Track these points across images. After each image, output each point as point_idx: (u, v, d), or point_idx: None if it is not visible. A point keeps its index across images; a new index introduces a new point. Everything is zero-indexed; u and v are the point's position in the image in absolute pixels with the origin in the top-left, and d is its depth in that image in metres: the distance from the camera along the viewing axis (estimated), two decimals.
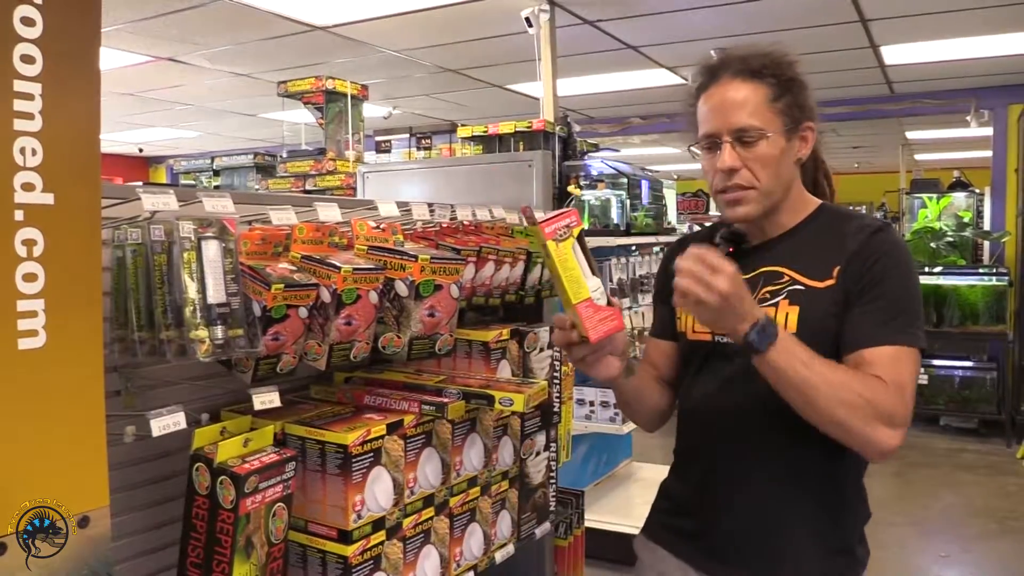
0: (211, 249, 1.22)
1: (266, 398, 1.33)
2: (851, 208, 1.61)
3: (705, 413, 1.48)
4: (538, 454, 1.90)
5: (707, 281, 1.19)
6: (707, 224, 2.01)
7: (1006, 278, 6.57)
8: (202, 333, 1.17)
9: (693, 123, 1.45)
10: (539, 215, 1.30)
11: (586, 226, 3.37)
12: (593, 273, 1.27)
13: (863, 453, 1.32)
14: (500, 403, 1.59)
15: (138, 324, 1.19)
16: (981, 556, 4.23)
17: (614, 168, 3.54)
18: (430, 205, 1.79)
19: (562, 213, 1.26)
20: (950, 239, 7.34)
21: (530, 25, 4.33)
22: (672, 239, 3.09)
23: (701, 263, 1.20)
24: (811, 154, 1.48)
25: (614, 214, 3.53)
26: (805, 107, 1.41)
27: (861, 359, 1.30)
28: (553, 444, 1.98)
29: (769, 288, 1.39)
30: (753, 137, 1.36)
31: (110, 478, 1.05)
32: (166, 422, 1.21)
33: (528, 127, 3.45)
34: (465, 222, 1.92)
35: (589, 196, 3.43)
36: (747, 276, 1.42)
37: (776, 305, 1.37)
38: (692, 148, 1.46)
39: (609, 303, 1.27)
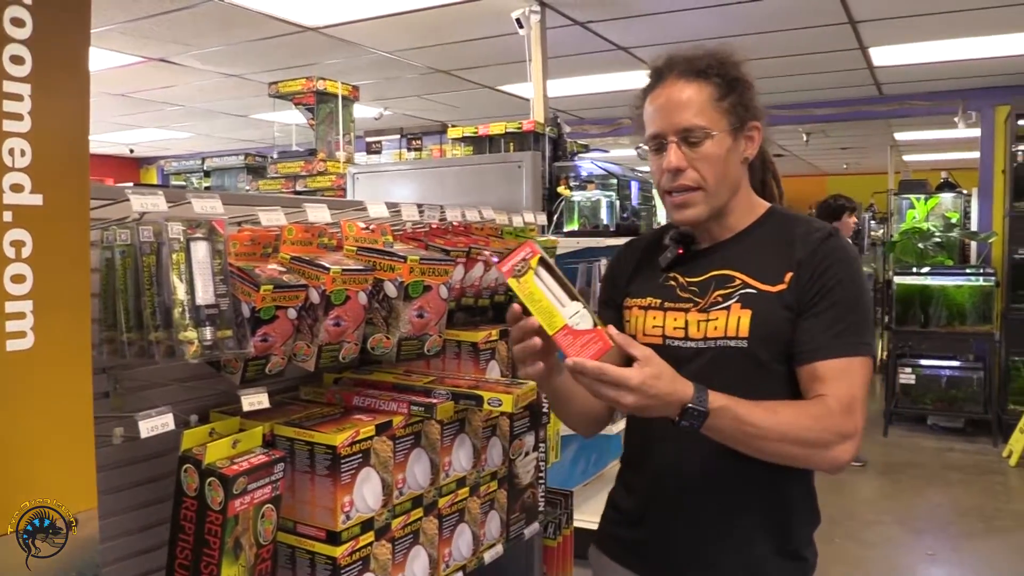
0: (200, 250, 1.22)
1: (255, 399, 1.33)
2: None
3: (653, 422, 1.42)
4: (527, 454, 1.91)
5: (613, 397, 1.19)
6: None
7: (993, 278, 6.61)
8: (191, 334, 1.18)
9: (641, 124, 1.45)
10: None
11: (575, 227, 3.38)
12: (573, 297, 1.23)
13: (820, 470, 1.36)
14: (489, 404, 1.59)
15: (127, 325, 1.19)
16: (968, 555, 4.26)
17: (604, 169, 3.55)
18: (419, 206, 1.79)
19: (517, 248, 1.25)
20: (938, 240, 7.38)
21: (521, 26, 4.34)
22: None
23: (602, 384, 1.18)
24: (759, 156, 1.48)
25: (604, 215, 3.54)
26: (751, 106, 1.41)
27: (815, 372, 1.32)
28: (542, 444, 1.98)
29: (721, 292, 1.39)
30: (699, 137, 1.35)
31: (98, 480, 1.05)
32: (154, 423, 1.21)
33: (518, 128, 3.46)
34: (454, 223, 1.93)
35: (579, 197, 3.44)
36: (699, 279, 1.43)
37: (728, 308, 1.37)
38: (640, 149, 1.46)
39: (596, 325, 1.22)
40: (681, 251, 1.47)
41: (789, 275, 1.36)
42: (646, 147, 1.44)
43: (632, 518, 1.51)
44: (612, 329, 1.24)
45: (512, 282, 1.24)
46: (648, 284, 1.50)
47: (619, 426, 3.51)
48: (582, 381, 1.20)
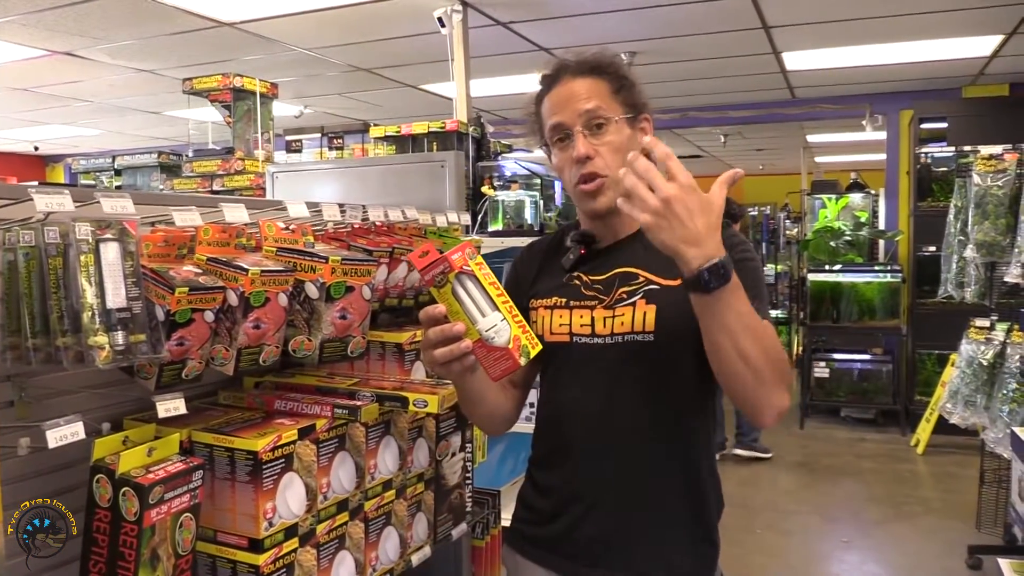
0: (110, 252, 1.17)
1: (171, 405, 1.29)
2: None
3: (565, 417, 1.47)
4: (453, 455, 1.90)
5: (654, 183, 1.12)
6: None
7: (899, 275, 6.91)
8: (101, 339, 1.13)
9: (536, 128, 1.50)
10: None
11: (500, 226, 3.39)
12: (495, 307, 1.22)
13: (760, 414, 1.28)
14: (414, 405, 1.58)
15: (32, 331, 1.14)
16: (880, 540, 4.43)
17: (528, 169, 3.56)
18: (341, 206, 1.77)
19: (437, 260, 1.23)
20: (848, 238, 7.67)
21: (443, 25, 4.33)
22: None
23: (651, 170, 1.13)
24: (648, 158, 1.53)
25: (528, 214, 3.55)
26: (640, 101, 1.47)
27: None
28: (468, 445, 1.98)
29: (625, 288, 1.42)
30: (601, 122, 1.40)
31: (3, 493, 1.00)
32: (63, 432, 1.16)
33: (441, 127, 3.44)
34: (377, 223, 1.90)
35: (503, 197, 3.44)
36: (603, 277, 1.45)
37: (633, 304, 1.39)
38: (544, 146, 1.50)
39: (511, 341, 1.21)
40: (584, 251, 1.49)
41: None
42: (548, 145, 1.47)
43: (547, 516, 1.50)
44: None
45: (434, 291, 1.23)
46: (553, 284, 1.51)
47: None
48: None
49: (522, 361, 1.22)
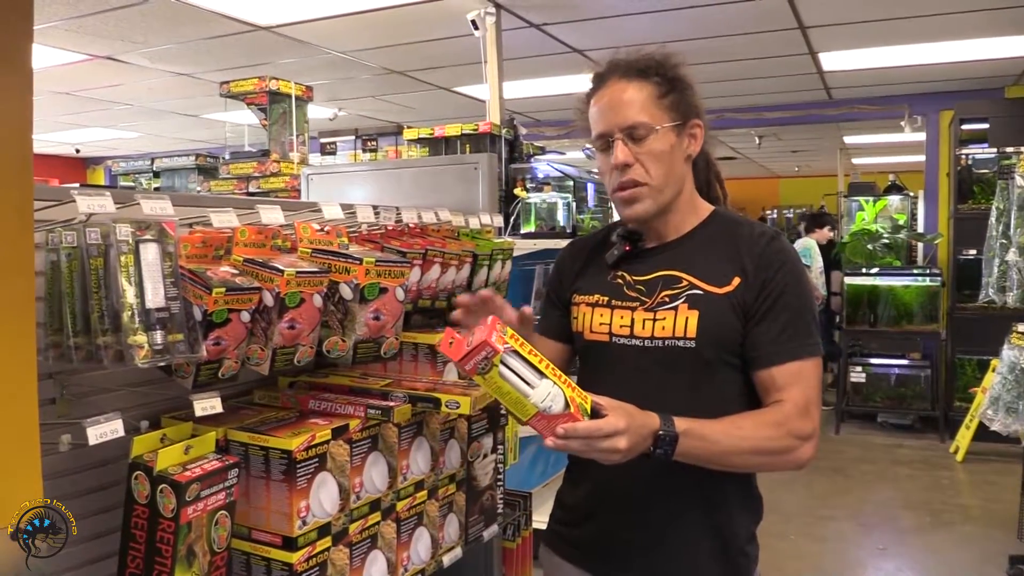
0: (149, 252, 1.19)
1: (207, 404, 1.31)
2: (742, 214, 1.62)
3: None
4: (485, 456, 1.90)
5: (608, 447, 1.17)
6: None
7: (939, 279, 6.78)
8: (140, 338, 1.15)
9: (587, 128, 1.49)
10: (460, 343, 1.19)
11: (532, 228, 3.39)
12: (542, 375, 1.17)
13: (783, 471, 1.38)
14: (447, 406, 1.58)
15: (73, 329, 1.16)
16: (916, 548, 4.36)
17: (560, 171, 3.57)
18: (375, 207, 1.78)
19: (476, 347, 1.15)
20: (886, 241, 7.54)
21: (476, 28, 4.34)
22: None
23: (598, 440, 1.16)
24: (703, 156, 1.52)
25: (560, 216, 3.56)
26: (692, 105, 1.44)
27: (772, 377, 1.35)
28: (500, 446, 1.98)
29: (668, 292, 1.41)
30: (643, 133, 1.39)
31: (45, 488, 1.02)
32: (103, 430, 1.18)
33: (474, 129, 3.46)
34: (411, 224, 1.91)
35: (535, 199, 3.45)
36: (646, 278, 1.44)
37: (676, 308, 1.38)
38: (587, 149, 1.50)
39: (568, 404, 1.17)
40: (628, 248, 1.49)
41: (737, 279, 1.38)
42: (592, 148, 1.47)
43: (580, 516, 1.51)
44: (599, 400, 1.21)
45: (478, 379, 1.18)
46: (595, 281, 1.51)
47: None
48: (571, 446, 1.18)
49: (585, 420, 1.18)
